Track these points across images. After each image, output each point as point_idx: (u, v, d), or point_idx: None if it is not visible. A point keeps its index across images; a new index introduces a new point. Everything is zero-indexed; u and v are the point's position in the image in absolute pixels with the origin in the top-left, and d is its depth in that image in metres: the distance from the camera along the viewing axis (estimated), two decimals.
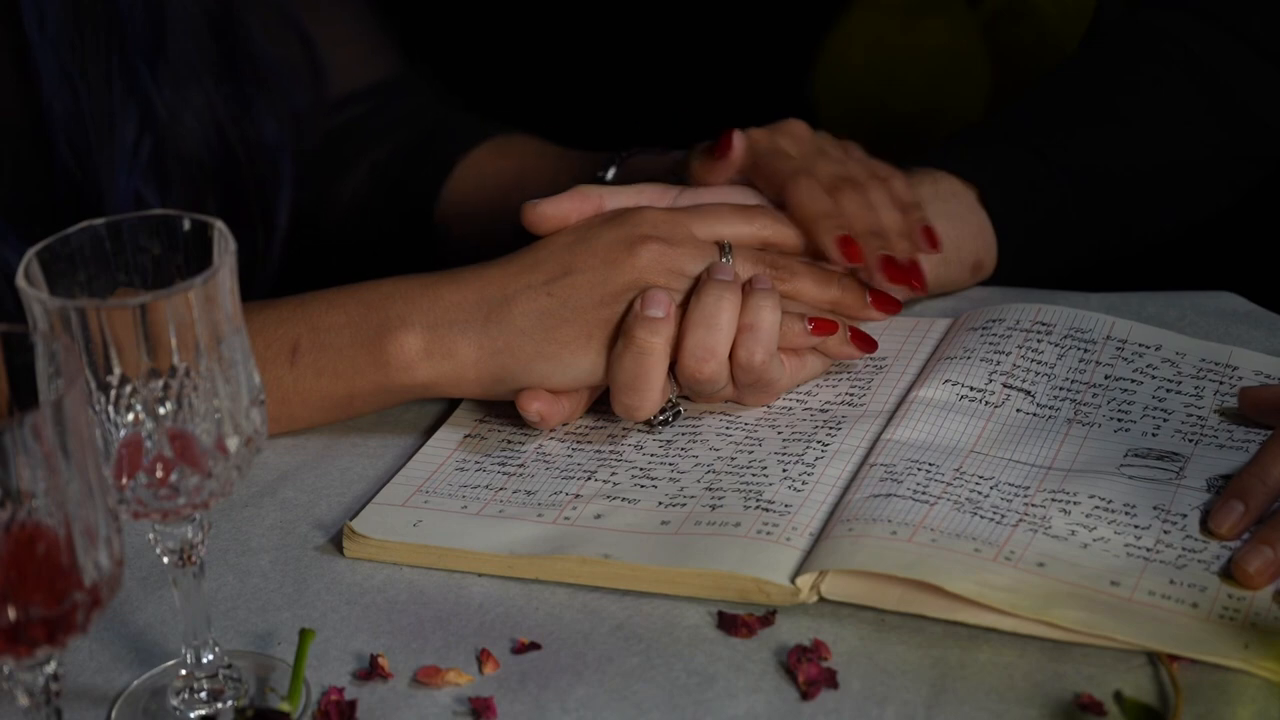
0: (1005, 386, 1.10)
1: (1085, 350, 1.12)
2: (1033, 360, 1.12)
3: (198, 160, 1.31)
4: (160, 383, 0.84)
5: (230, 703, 0.92)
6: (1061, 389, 1.10)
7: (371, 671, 0.93)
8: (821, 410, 1.10)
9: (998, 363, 1.12)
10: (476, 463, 1.08)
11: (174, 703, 0.92)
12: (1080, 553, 0.96)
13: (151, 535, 0.89)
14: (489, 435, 1.11)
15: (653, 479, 1.05)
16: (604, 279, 1.06)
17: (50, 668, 0.81)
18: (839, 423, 1.09)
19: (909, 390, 1.11)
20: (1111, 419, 1.07)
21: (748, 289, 1.06)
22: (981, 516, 0.98)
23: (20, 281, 0.83)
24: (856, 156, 1.19)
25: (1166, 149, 1.27)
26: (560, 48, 1.96)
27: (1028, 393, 1.09)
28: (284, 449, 1.11)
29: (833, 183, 1.14)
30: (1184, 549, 0.96)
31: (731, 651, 0.94)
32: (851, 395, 1.11)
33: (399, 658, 0.94)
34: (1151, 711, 0.86)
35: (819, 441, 1.07)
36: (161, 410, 0.84)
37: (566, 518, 1.02)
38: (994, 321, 1.15)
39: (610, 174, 1.28)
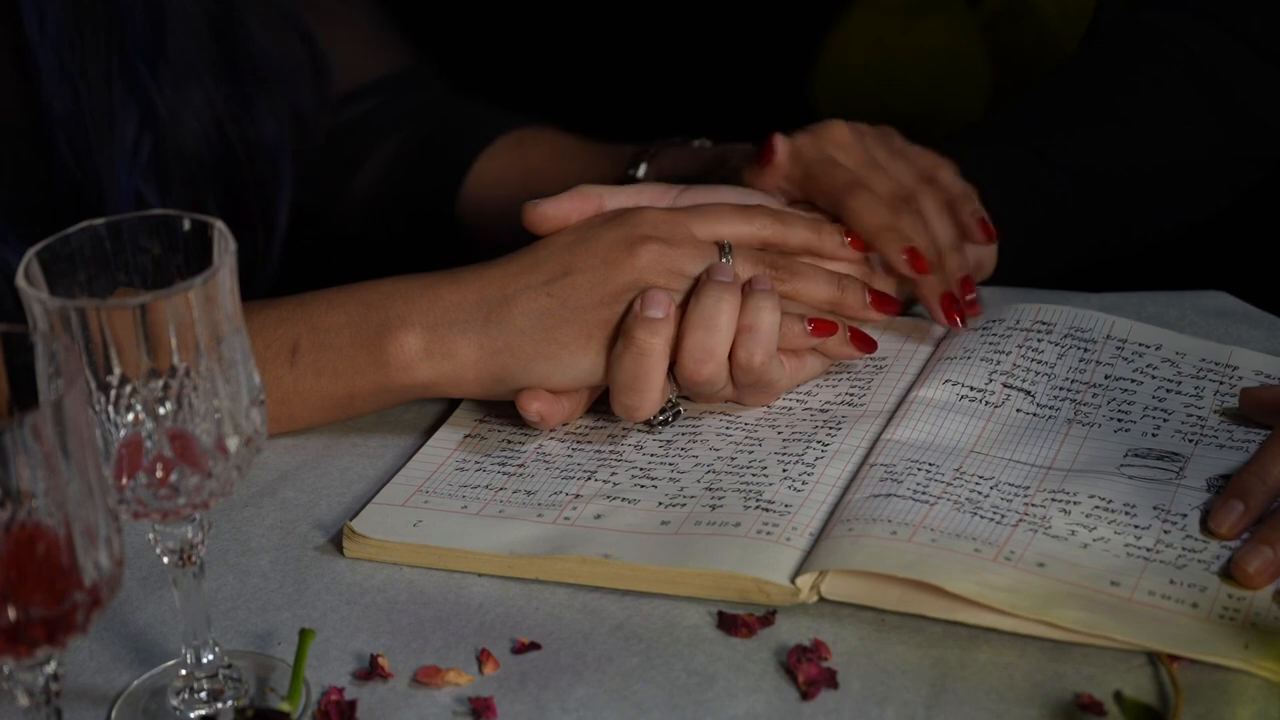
0: (1005, 386, 1.10)
1: (1085, 350, 1.12)
2: (1033, 360, 1.12)
3: (198, 159, 1.31)
4: (160, 383, 0.84)
5: (230, 703, 0.92)
6: (1061, 389, 1.10)
7: (371, 671, 0.93)
8: (821, 410, 1.10)
9: (998, 363, 1.12)
10: (476, 463, 1.08)
11: (174, 703, 0.92)
12: (1080, 553, 0.96)
13: (151, 535, 0.89)
14: (489, 435, 1.11)
15: (653, 479, 1.05)
16: (604, 279, 1.06)
17: (50, 668, 0.81)
18: (839, 423, 1.09)
19: (909, 390, 1.11)
20: (1111, 419, 1.07)
21: (747, 290, 1.06)
22: (981, 516, 0.98)
23: (20, 281, 0.83)
24: (898, 148, 1.19)
25: (1166, 149, 1.28)
26: (561, 46, 1.96)
27: (1028, 393, 1.09)
28: (284, 449, 1.11)
29: (888, 199, 1.14)
30: (1184, 549, 0.96)
31: (731, 651, 0.93)
32: (851, 395, 1.11)
33: (399, 658, 0.94)
34: (1151, 711, 0.86)
35: (819, 441, 1.07)
36: (161, 410, 0.84)
37: (566, 518, 1.02)
38: (994, 321, 1.16)
39: (641, 171, 1.28)
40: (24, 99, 1.23)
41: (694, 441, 1.08)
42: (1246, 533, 0.96)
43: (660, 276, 1.06)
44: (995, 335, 1.14)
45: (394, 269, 1.11)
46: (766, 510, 1.00)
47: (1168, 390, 1.09)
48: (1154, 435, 1.05)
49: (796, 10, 1.78)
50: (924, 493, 1.00)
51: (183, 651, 0.92)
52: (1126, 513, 0.98)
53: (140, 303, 0.82)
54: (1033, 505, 0.99)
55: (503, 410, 1.11)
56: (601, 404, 1.09)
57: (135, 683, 0.94)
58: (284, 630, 0.97)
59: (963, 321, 1.14)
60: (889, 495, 1.00)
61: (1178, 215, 1.31)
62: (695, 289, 1.06)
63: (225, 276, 0.84)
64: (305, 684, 0.93)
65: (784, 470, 1.04)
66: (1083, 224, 1.26)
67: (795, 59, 1.79)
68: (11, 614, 0.77)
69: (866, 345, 1.12)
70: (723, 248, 1.09)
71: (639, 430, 1.10)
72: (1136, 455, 1.03)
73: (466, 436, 1.11)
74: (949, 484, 1.01)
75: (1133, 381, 1.10)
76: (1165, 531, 0.97)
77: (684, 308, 1.06)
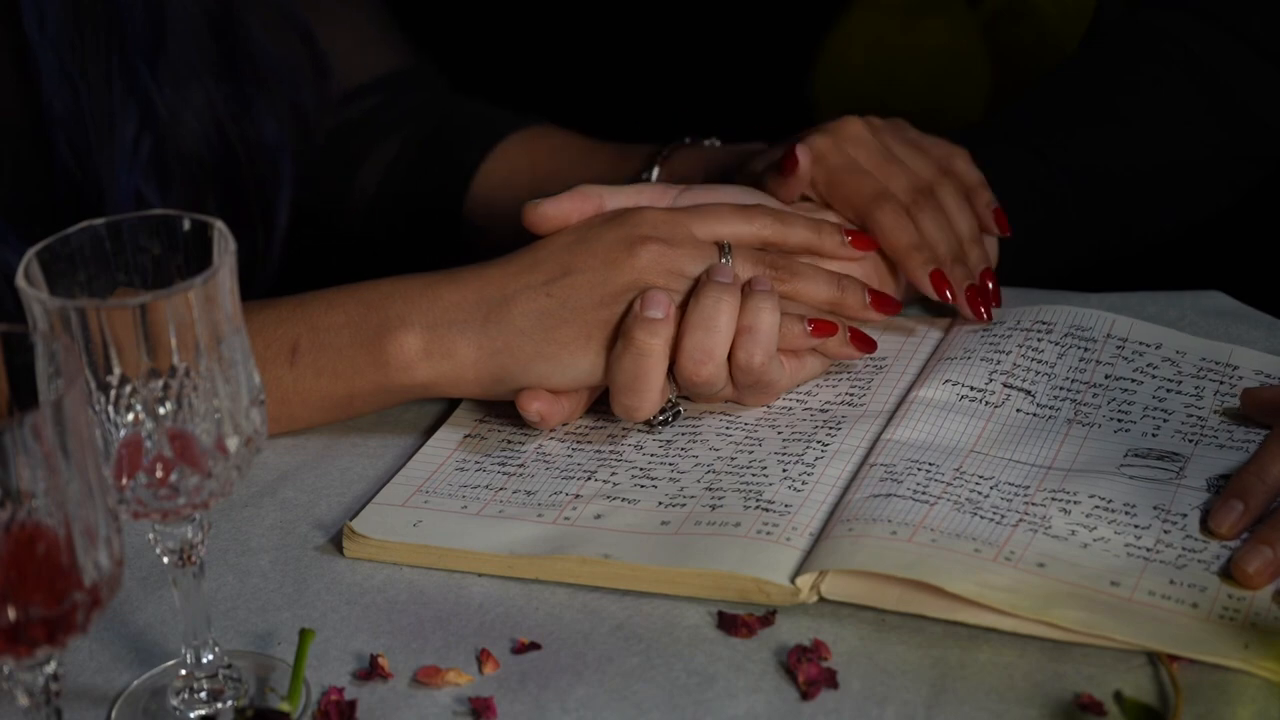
0: (1005, 386, 1.10)
1: (1085, 349, 1.12)
2: (1033, 360, 1.12)
3: (198, 159, 1.31)
4: (160, 383, 0.84)
5: (230, 703, 0.92)
6: (1062, 389, 1.10)
7: (371, 671, 0.93)
8: (821, 410, 1.10)
9: (998, 362, 1.12)
10: (476, 463, 1.08)
11: (174, 703, 0.92)
12: (1080, 553, 0.96)
13: (151, 535, 0.89)
14: (489, 435, 1.10)
15: (653, 479, 1.05)
16: (603, 279, 1.06)
17: (50, 668, 0.81)
18: (839, 423, 1.09)
19: (909, 390, 1.11)
20: (1112, 419, 1.07)
21: (747, 290, 1.06)
22: (981, 516, 0.98)
23: (20, 281, 0.83)
24: (912, 138, 1.19)
25: (1166, 149, 1.28)
26: (561, 46, 1.97)
27: (1028, 392, 1.09)
28: (284, 449, 1.11)
29: (910, 197, 1.15)
30: (1184, 549, 0.96)
31: (731, 651, 0.93)
32: (851, 395, 1.11)
33: (399, 658, 0.94)
34: (1151, 711, 0.86)
35: (819, 441, 1.07)
36: (161, 410, 0.84)
37: (566, 518, 1.02)
38: (994, 321, 1.16)
39: (655, 174, 1.28)
40: (24, 99, 1.23)
41: (694, 441, 1.08)
42: (1246, 532, 0.96)
43: (660, 277, 1.06)
44: (995, 335, 1.14)
45: (395, 269, 1.11)
46: (766, 510, 1.00)
47: (1168, 390, 1.09)
48: (1154, 435, 1.05)
49: (796, 10, 1.79)
50: (924, 493, 1.00)
51: (183, 651, 0.92)
52: (1126, 513, 0.98)
53: (140, 303, 0.82)
54: (1033, 505, 0.99)
55: (503, 410, 1.11)
56: (601, 404, 1.09)
57: (135, 683, 0.94)
58: (284, 630, 0.97)
59: (989, 315, 1.14)
60: (889, 495, 1.00)
61: (1178, 215, 1.31)
62: (695, 290, 1.06)
63: (225, 276, 0.84)
64: (305, 684, 0.93)
65: (784, 470, 1.04)
66: (1083, 224, 1.26)
67: (795, 59, 1.79)
68: (11, 614, 0.77)
69: (866, 345, 1.12)
70: (722, 248, 1.09)
71: (639, 430, 1.10)
72: (1137, 455, 1.03)
73: (466, 436, 1.11)
74: (949, 484, 1.01)
75: (1133, 381, 1.10)
76: (1165, 531, 0.97)
77: (684, 308, 1.06)
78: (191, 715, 0.91)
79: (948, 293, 1.14)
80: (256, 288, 1.34)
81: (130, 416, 0.84)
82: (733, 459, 1.06)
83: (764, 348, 1.06)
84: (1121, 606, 0.92)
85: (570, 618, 0.96)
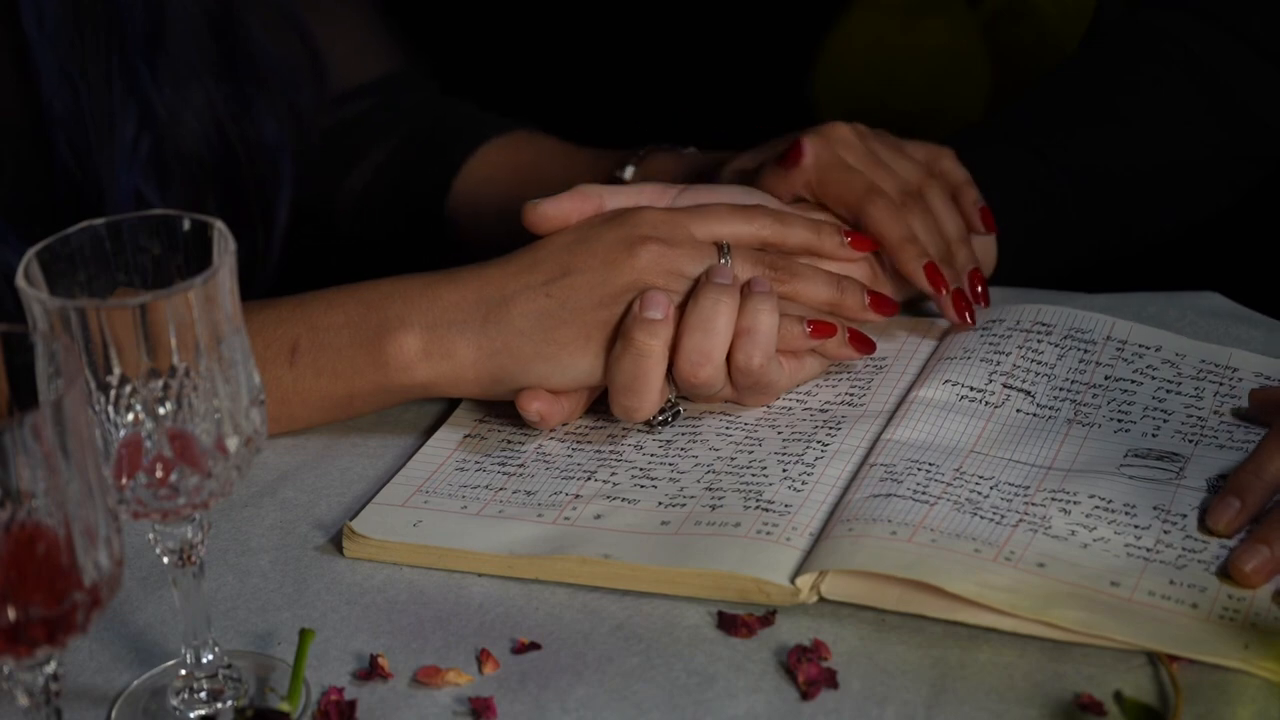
0: (1005, 387, 1.10)
1: (1085, 351, 1.12)
2: (1033, 360, 1.12)
3: (197, 159, 1.31)
4: (160, 383, 0.84)
5: (230, 703, 0.92)
6: (1061, 389, 1.10)
7: (371, 671, 0.93)
8: (821, 410, 1.10)
9: (998, 363, 1.12)
10: (476, 463, 1.08)
11: (174, 703, 0.92)
12: (1080, 553, 0.96)
13: (151, 535, 0.89)
14: (489, 435, 1.10)
15: (653, 479, 1.05)
16: (603, 280, 1.06)
17: (50, 668, 0.81)
18: (839, 423, 1.09)
19: (909, 390, 1.11)
20: (1111, 419, 1.07)
21: (746, 292, 1.06)
22: (981, 517, 0.98)
23: (20, 281, 0.83)
24: (895, 144, 1.19)
25: (1166, 149, 1.28)
26: (561, 47, 1.96)
27: (1028, 393, 1.09)
28: (284, 449, 1.11)
29: (898, 199, 1.15)
30: (1184, 549, 0.96)
31: (731, 651, 0.93)
32: (851, 395, 1.11)
33: (399, 658, 0.94)
34: (1151, 711, 0.86)
35: (819, 441, 1.07)
36: (161, 410, 0.84)
37: (566, 518, 1.02)
38: (994, 321, 1.16)
39: (628, 173, 1.28)
40: (24, 99, 1.23)
41: (694, 441, 1.08)
42: (1245, 531, 0.96)
43: (659, 277, 1.06)
44: (995, 335, 1.14)
45: (391, 268, 1.11)
46: (766, 510, 1.00)
47: (1168, 391, 1.09)
48: (1154, 436, 1.05)
49: (796, 10, 1.79)
50: (924, 493, 1.00)
51: (183, 651, 0.92)
52: (1126, 513, 0.98)
53: (140, 303, 0.82)
54: (1033, 505, 0.99)
55: (503, 410, 1.11)
56: (601, 404, 1.09)
57: (135, 683, 0.94)
58: (284, 630, 0.97)
59: (972, 319, 1.15)
60: (889, 495, 1.00)
61: (1178, 215, 1.31)
62: (694, 291, 1.06)
63: (225, 276, 0.84)
64: (305, 684, 0.93)
65: (784, 470, 1.04)
66: (1083, 224, 1.26)
67: (795, 59, 1.79)
68: (11, 614, 0.77)
69: (865, 346, 1.12)
70: (722, 248, 1.09)
71: (639, 430, 1.10)
72: (1136, 455, 1.03)
73: (466, 436, 1.11)
74: (949, 484, 1.01)
75: (1133, 382, 1.10)
76: (1165, 532, 0.97)
77: (684, 309, 1.06)
78: (191, 715, 0.91)
79: (941, 287, 1.14)
80: (256, 288, 1.34)
81: (130, 416, 0.84)
82: (733, 459, 1.06)
83: (763, 349, 1.06)
84: (1121, 607, 0.92)
85: (570, 618, 0.96)
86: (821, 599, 0.95)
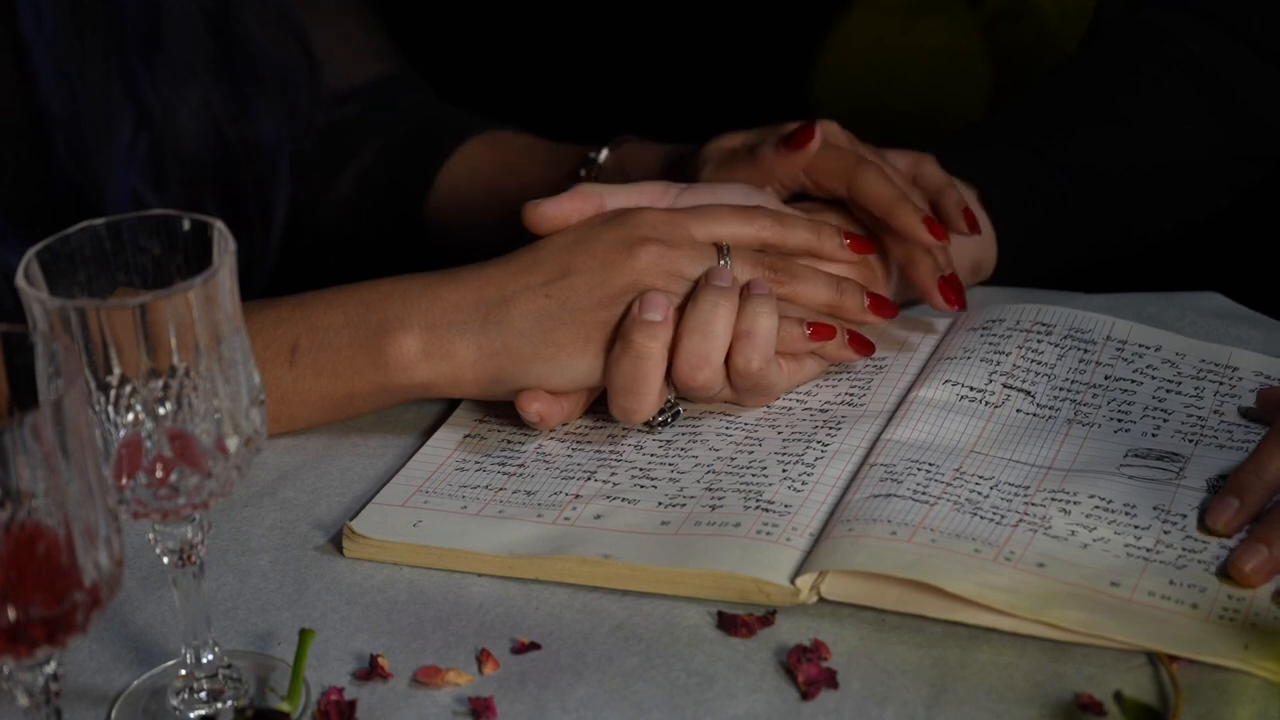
0: (1005, 387, 1.10)
1: (1085, 350, 1.12)
2: (1033, 360, 1.12)
3: (195, 159, 1.31)
4: (160, 383, 0.84)
5: (230, 703, 0.92)
6: (1061, 389, 1.10)
7: (371, 671, 0.93)
8: (821, 410, 1.10)
9: (998, 363, 1.12)
10: (476, 463, 1.08)
11: (174, 703, 0.92)
12: (1080, 553, 0.96)
13: (151, 535, 0.89)
14: (489, 435, 1.10)
15: (652, 479, 1.05)
16: (602, 281, 1.06)
17: (50, 668, 0.81)
18: (839, 423, 1.09)
19: (909, 390, 1.11)
20: (1111, 419, 1.07)
21: (745, 294, 1.06)
22: (981, 517, 0.98)
23: (20, 281, 0.83)
24: (878, 152, 1.19)
25: (1166, 149, 1.28)
26: (560, 47, 1.97)
27: (1028, 393, 1.09)
28: (284, 449, 1.11)
29: None
30: (1184, 549, 0.96)
31: (731, 651, 0.93)
32: (851, 395, 1.11)
33: (399, 658, 0.94)
34: (1151, 711, 0.86)
35: (819, 441, 1.07)
36: (161, 410, 0.84)
37: (566, 518, 1.02)
38: (994, 321, 1.16)
39: (603, 155, 1.28)
40: (24, 99, 1.23)
41: (694, 442, 1.08)
42: (1245, 531, 0.96)
43: (659, 279, 1.06)
44: (995, 335, 1.14)
45: (387, 268, 1.11)
46: (766, 510, 1.00)
47: (1168, 391, 1.09)
48: (1154, 435, 1.05)
49: (796, 10, 1.79)
50: (924, 493, 1.00)
51: (183, 651, 0.92)
52: (1126, 513, 0.98)
53: (140, 303, 0.82)
54: (1033, 505, 0.99)
55: (502, 410, 1.11)
56: (601, 404, 1.09)
57: (135, 683, 0.94)
58: (284, 630, 0.97)
59: (962, 304, 1.14)
60: (889, 495, 1.00)
61: (1178, 215, 1.31)
62: (693, 293, 1.06)
63: (225, 276, 0.84)
64: (305, 684, 0.93)
65: (784, 470, 1.04)
66: (1083, 224, 1.26)
67: (795, 59, 1.79)
68: (11, 614, 0.77)
69: (865, 348, 1.12)
70: (721, 249, 1.09)
71: (639, 431, 1.10)
72: (1136, 455, 1.03)
73: (466, 436, 1.11)
74: (949, 484, 1.01)
75: (1133, 382, 1.10)
76: (1165, 532, 0.97)
77: (683, 310, 1.06)
78: (191, 715, 0.91)
79: (942, 236, 1.13)
80: (253, 288, 1.34)
81: (130, 416, 0.84)
82: (732, 459, 1.06)
83: (762, 352, 1.06)
84: (1121, 607, 0.92)
85: (570, 618, 0.96)
86: (821, 599, 0.95)
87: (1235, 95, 1.28)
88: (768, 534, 0.98)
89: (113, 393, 0.84)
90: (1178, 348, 1.12)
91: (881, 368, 1.14)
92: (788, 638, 0.94)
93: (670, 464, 1.06)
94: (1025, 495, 1.00)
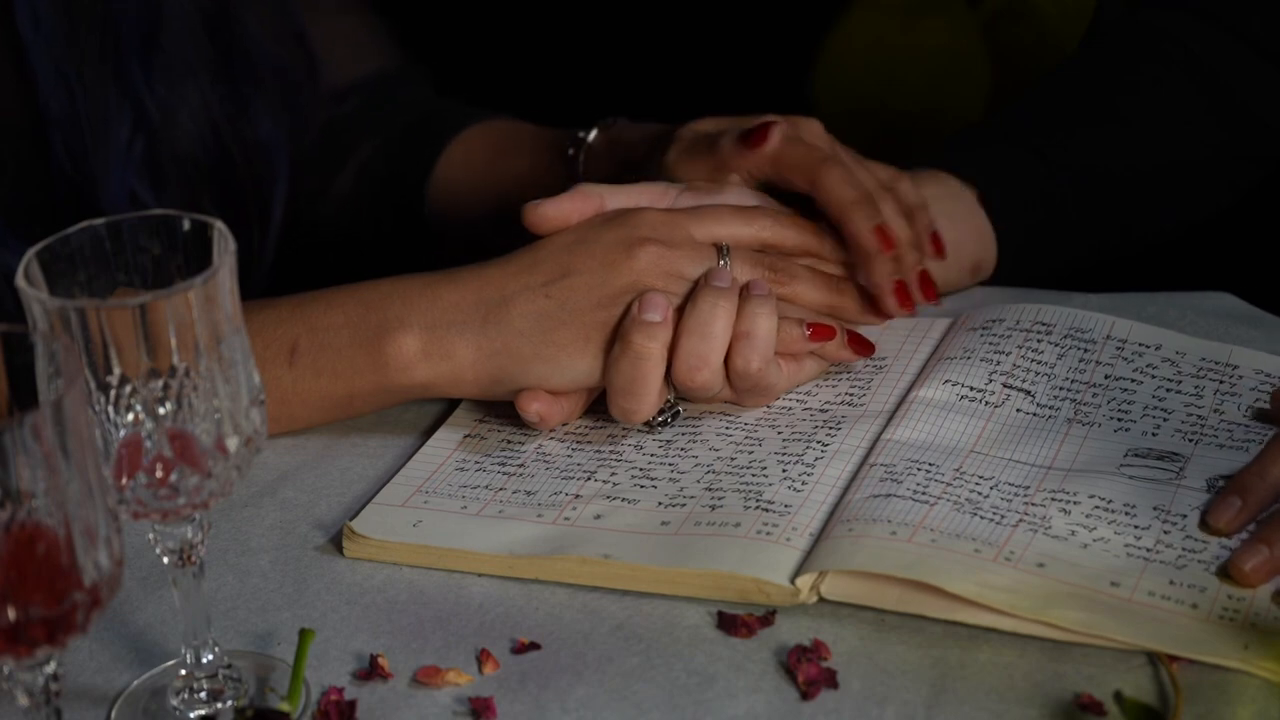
0: (1005, 386, 1.10)
1: (1085, 350, 1.12)
2: (1033, 360, 1.12)
3: (193, 160, 1.31)
4: (160, 383, 0.84)
5: (230, 703, 0.92)
6: (1061, 389, 1.10)
7: (371, 671, 0.93)
8: (821, 410, 1.10)
9: (998, 363, 1.12)
10: (476, 463, 1.08)
11: (174, 703, 0.92)
12: (1080, 553, 0.96)
13: (151, 535, 0.89)
14: (489, 435, 1.10)
15: (652, 479, 1.05)
16: (602, 281, 1.06)
17: (50, 668, 0.81)
18: (839, 423, 1.09)
19: (909, 390, 1.11)
20: (1111, 419, 1.07)
21: (744, 295, 1.06)
22: (981, 517, 0.98)
23: (20, 281, 0.83)
24: (860, 162, 1.19)
25: (1166, 149, 1.28)
26: (560, 46, 1.96)
27: (1028, 393, 1.09)
28: (284, 449, 1.11)
29: None
30: (1184, 549, 0.96)
31: (731, 651, 0.93)
32: (851, 395, 1.11)
33: (399, 658, 0.94)
34: (1151, 711, 0.86)
35: (819, 441, 1.07)
36: (161, 410, 0.84)
37: (566, 518, 1.02)
38: (994, 321, 1.15)
39: (592, 135, 1.28)
40: (24, 100, 1.23)
41: (694, 442, 1.08)
42: (1245, 532, 0.96)
43: (658, 279, 1.06)
44: (995, 335, 1.14)
45: (386, 265, 1.11)
46: (766, 510, 1.00)
47: (1168, 390, 1.09)
48: (1154, 435, 1.05)
49: (796, 10, 1.78)
50: (924, 493, 1.00)
51: (183, 651, 0.92)
52: (1126, 513, 0.98)
53: (140, 303, 0.82)
54: (1033, 505, 0.99)
55: (502, 410, 1.11)
56: (601, 404, 1.09)
57: (135, 683, 0.94)
58: (284, 630, 0.97)
59: (912, 307, 1.14)
60: (889, 495, 1.00)
61: (1178, 215, 1.31)
62: (692, 294, 1.06)
63: (225, 276, 0.84)
64: (305, 684, 0.93)
65: (784, 470, 1.04)
66: (1083, 224, 1.26)
67: (795, 59, 1.79)
68: (11, 614, 0.77)
69: (864, 349, 1.12)
70: (721, 249, 1.09)
71: (639, 431, 1.09)
72: (1136, 455, 1.03)
73: (466, 436, 1.11)
74: (949, 484, 1.01)
75: (1133, 381, 1.10)
76: (1165, 532, 0.97)
77: (683, 310, 1.06)
78: (191, 715, 0.91)
79: (890, 249, 1.12)
80: (252, 288, 1.34)
81: (130, 416, 0.84)
82: (732, 459, 1.06)
83: (761, 353, 1.06)
84: (1121, 607, 0.92)
85: (570, 618, 0.96)
86: (821, 599, 0.95)
87: (1235, 95, 1.28)
88: (768, 534, 0.98)
89: (113, 393, 0.84)
90: (1178, 346, 1.12)
91: (881, 368, 1.14)
92: (788, 638, 0.94)
93: (670, 464, 1.06)
94: (1025, 495, 1.00)
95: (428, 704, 0.91)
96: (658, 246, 1.07)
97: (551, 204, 1.10)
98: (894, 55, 1.75)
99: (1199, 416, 1.06)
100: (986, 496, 1.00)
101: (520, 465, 1.07)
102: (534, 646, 0.95)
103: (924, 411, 1.08)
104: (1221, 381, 1.09)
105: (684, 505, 1.02)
